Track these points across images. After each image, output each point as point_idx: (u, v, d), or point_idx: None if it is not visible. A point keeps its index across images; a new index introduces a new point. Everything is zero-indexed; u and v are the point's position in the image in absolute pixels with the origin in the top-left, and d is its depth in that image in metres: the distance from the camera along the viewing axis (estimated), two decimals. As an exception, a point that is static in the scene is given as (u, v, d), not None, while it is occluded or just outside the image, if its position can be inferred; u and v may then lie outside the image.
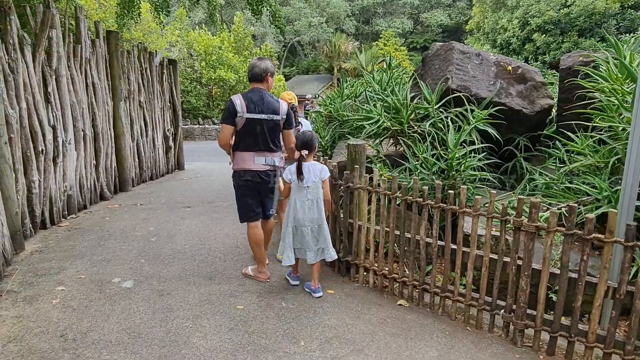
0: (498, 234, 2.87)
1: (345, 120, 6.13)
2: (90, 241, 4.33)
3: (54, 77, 4.83)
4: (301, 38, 43.27)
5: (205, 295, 3.21)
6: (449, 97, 4.47)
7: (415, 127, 4.57)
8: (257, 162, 3.27)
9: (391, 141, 5.05)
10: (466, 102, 4.39)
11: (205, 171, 9.12)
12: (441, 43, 5.23)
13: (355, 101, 6.73)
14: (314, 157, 3.55)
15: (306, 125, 4.47)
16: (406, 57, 41.76)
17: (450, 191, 2.99)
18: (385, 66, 6.88)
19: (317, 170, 3.19)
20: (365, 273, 3.59)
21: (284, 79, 22.73)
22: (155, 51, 7.95)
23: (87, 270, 3.59)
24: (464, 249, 2.93)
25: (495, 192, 2.84)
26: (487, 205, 2.78)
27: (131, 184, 7.08)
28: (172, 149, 8.65)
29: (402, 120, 4.55)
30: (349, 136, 6.18)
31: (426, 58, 5.36)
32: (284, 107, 3.29)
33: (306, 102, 14.19)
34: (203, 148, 14.32)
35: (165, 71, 8.28)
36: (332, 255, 3.27)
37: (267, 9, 8.17)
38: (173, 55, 17.44)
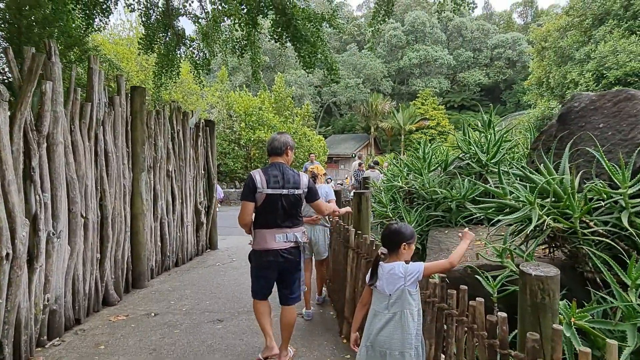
0: None
1: (440, 201, 4.40)
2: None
3: (43, 145, 3.42)
4: (338, 99, 43.36)
5: None
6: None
7: (593, 226, 2.73)
8: (277, 240, 3.08)
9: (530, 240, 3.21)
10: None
11: (241, 251, 7.45)
12: (597, 93, 3.51)
13: (441, 173, 5.02)
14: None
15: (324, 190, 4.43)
16: (445, 116, 40.67)
17: None
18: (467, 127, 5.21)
19: (401, 273, 2.19)
20: None
21: (323, 139, 21.65)
22: (192, 111, 6.68)
23: None
24: None
25: None
26: None
27: (149, 276, 5.47)
28: (204, 226, 7.10)
29: (571, 213, 2.73)
30: (445, 221, 4.41)
31: (569, 114, 3.62)
32: (304, 180, 3.18)
33: (357, 169, 12.59)
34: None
35: (201, 134, 6.98)
36: None
37: (321, 62, 6.98)
38: (212, 117, 16.74)
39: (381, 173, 11.09)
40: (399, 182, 5.04)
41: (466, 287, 2.27)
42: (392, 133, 40.22)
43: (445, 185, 4.70)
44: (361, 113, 39.61)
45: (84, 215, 3.96)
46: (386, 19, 6.29)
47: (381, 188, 6.32)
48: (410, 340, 2.17)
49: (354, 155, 36.69)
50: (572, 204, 2.71)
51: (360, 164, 12.90)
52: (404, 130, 38.33)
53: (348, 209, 4.15)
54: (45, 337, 3.51)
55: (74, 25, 7.87)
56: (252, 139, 17.19)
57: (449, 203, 4.35)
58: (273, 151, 3.19)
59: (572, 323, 2.12)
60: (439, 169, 4.99)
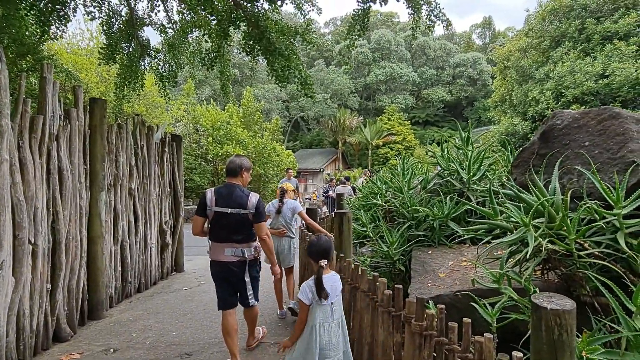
0: None
1: (422, 219, 4.24)
2: None
3: (-16, 164, 2.99)
4: (306, 114, 43.46)
5: None
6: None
7: (588, 247, 2.63)
8: (226, 253, 3.37)
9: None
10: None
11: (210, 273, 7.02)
12: (580, 111, 3.48)
13: (422, 191, 4.90)
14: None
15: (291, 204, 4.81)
16: (410, 131, 41.52)
17: None
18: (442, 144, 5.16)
19: (337, 282, 2.66)
20: None
21: (292, 154, 21.40)
22: (157, 125, 6.28)
23: None
24: None
25: None
26: None
27: (108, 305, 4.97)
28: (169, 247, 6.63)
29: (566, 234, 2.62)
30: (427, 240, 4.26)
31: (552, 132, 3.57)
32: (252, 200, 3.36)
33: (328, 185, 12.37)
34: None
35: (167, 149, 6.57)
36: None
37: (296, 77, 6.77)
38: (178, 131, 16.13)
39: (353, 188, 10.94)
40: (378, 200, 4.86)
41: (470, 320, 2.07)
42: (360, 148, 40.61)
43: (426, 203, 4.57)
44: (329, 128, 39.80)
45: (33, 241, 3.50)
46: (362, 34, 6.23)
47: (356, 205, 6.14)
48: (346, 338, 2.67)
49: (321, 169, 36.72)
50: (568, 225, 2.60)
51: (332, 180, 12.72)
52: (371, 145, 38.78)
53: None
54: (-19, 386, 3.02)
55: (27, 32, 7.30)
56: (220, 153, 16.69)
57: (431, 222, 4.21)
58: (229, 172, 3.48)
59: (585, 358, 1.96)
60: (419, 186, 4.86)
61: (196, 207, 3.45)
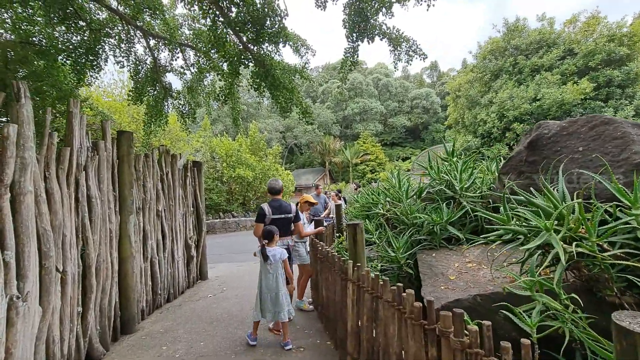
0: None
1: (421, 225, 3.69)
2: None
3: (5, 196, 2.34)
4: (298, 141, 43.21)
5: None
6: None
7: (608, 248, 2.10)
8: (277, 243, 3.65)
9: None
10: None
11: (232, 280, 6.32)
12: (567, 120, 2.99)
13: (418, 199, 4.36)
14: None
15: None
16: (381, 151, 41.43)
17: None
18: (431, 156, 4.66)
19: (277, 253, 3.47)
20: None
21: (291, 173, 20.81)
22: (180, 154, 5.66)
23: None
24: None
25: None
26: None
27: (140, 317, 4.26)
28: (194, 259, 5.93)
29: (586, 237, 2.08)
30: (429, 243, 3.69)
31: (540, 140, 3.08)
32: (293, 208, 4.03)
33: (327, 192, 11.75)
34: (224, 243, 11.53)
35: (189, 174, 5.93)
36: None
37: (297, 107, 6.29)
38: (197, 159, 15.44)
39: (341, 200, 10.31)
40: (380, 210, 4.29)
41: (529, 342, 1.49)
42: (342, 166, 40.38)
43: (422, 210, 4.02)
44: (317, 151, 39.60)
45: (61, 268, 2.83)
46: (353, 68, 5.79)
47: (354, 214, 5.56)
48: (280, 287, 3.40)
49: (314, 185, 36.23)
50: (589, 227, 2.07)
51: (328, 192, 12.11)
52: (352, 163, 38.70)
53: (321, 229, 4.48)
54: (7, 423, 2.30)
55: (65, 80, 6.66)
56: (233, 176, 15.99)
57: (431, 227, 3.66)
58: (274, 192, 4.01)
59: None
60: (414, 196, 4.32)
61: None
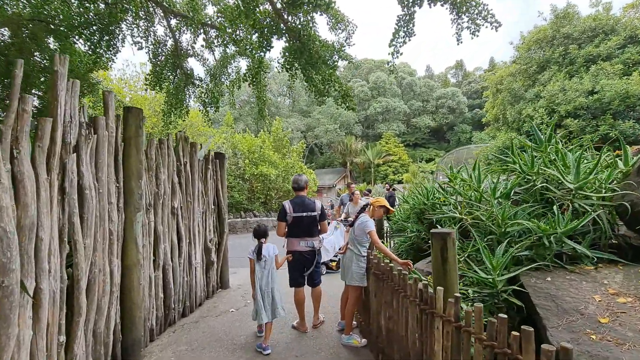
0: None
1: (517, 235, 2.65)
2: None
3: None
4: (319, 141, 42.38)
5: None
6: None
7: None
8: (300, 245, 3.52)
9: None
10: None
11: (256, 289, 5.42)
12: None
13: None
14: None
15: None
16: (404, 152, 40.01)
17: None
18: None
19: (270, 250, 3.37)
20: None
21: (313, 172, 19.93)
22: (201, 144, 4.85)
23: None
24: None
25: None
26: None
27: (148, 339, 3.43)
28: (214, 264, 5.08)
29: None
30: (533, 261, 2.63)
31: None
32: (318, 205, 3.58)
33: (352, 191, 10.65)
34: (246, 244, 10.70)
35: (210, 166, 5.10)
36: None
37: (336, 90, 5.35)
38: (219, 155, 14.81)
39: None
40: (456, 213, 3.26)
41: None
42: (364, 166, 39.27)
43: (515, 216, 2.97)
44: (338, 151, 38.68)
45: (38, 284, 2.00)
46: (407, 40, 4.78)
47: (409, 215, 4.55)
48: (274, 283, 3.34)
49: (334, 185, 35.14)
50: None
51: (353, 190, 11.04)
52: (374, 164, 37.52)
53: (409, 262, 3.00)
54: None
55: (79, 61, 6.00)
56: (255, 173, 15.25)
57: (536, 239, 2.61)
58: (298, 188, 3.61)
59: None
60: (500, 197, 3.26)
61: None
